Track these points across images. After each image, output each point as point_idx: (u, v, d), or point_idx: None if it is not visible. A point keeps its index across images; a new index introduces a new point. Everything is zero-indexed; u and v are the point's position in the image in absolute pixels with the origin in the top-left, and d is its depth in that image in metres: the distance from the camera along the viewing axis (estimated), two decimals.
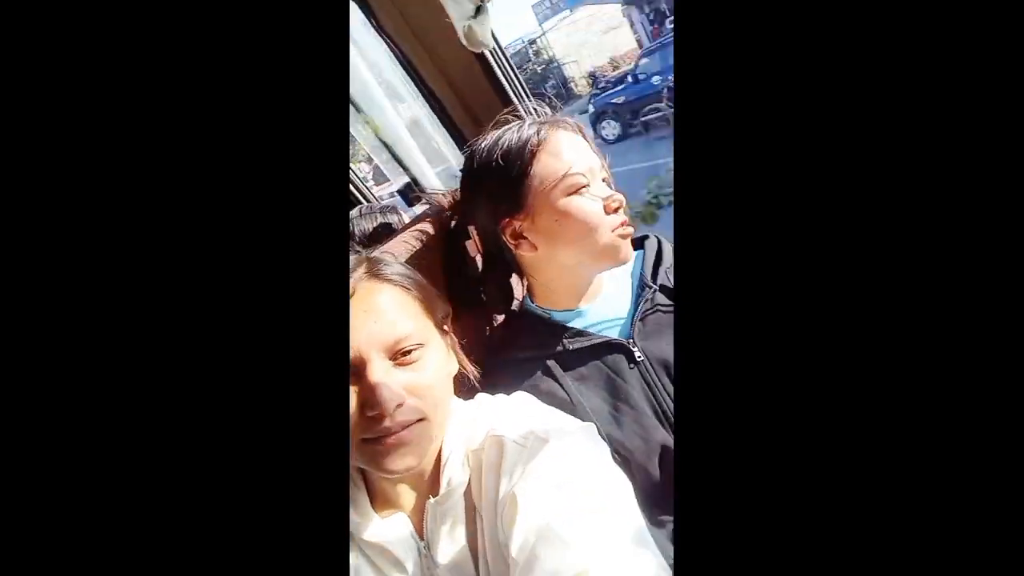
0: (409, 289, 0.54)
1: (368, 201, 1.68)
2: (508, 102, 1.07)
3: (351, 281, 0.51)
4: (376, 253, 0.59)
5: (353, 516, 0.52)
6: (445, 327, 0.58)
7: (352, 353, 0.47)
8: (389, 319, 0.50)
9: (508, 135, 0.68)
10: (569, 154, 0.67)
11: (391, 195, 1.64)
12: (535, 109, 0.71)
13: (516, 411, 0.56)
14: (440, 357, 0.53)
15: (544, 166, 0.65)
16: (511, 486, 0.48)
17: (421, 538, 0.52)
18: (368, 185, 1.69)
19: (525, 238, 0.69)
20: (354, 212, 1.36)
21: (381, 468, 0.48)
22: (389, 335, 0.49)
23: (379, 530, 0.51)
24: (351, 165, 1.64)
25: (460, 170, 0.73)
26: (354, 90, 1.38)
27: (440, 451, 0.53)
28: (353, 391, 0.47)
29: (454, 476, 0.52)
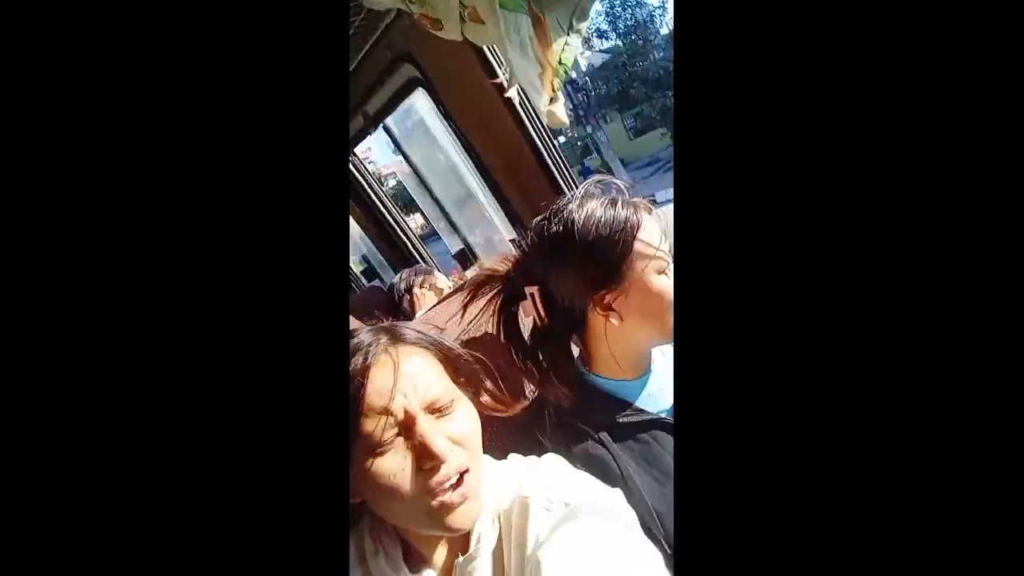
0: (430, 349, 0.56)
1: (425, 262, 1.77)
2: (554, 181, 1.12)
3: (375, 350, 0.53)
4: (394, 324, 0.60)
5: (387, 570, 0.52)
6: (466, 381, 0.59)
7: (399, 413, 0.49)
8: (424, 380, 0.52)
9: (601, 211, 0.71)
10: (658, 235, 0.71)
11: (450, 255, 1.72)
12: (617, 186, 0.76)
13: (545, 473, 0.56)
14: (468, 408, 0.55)
15: (642, 247, 0.70)
16: (535, 551, 0.47)
17: None
18: (427, 248, 1.79)
19: (614, 310, 0.71)
20: (396, 277, 1.44)
21: (448, 527, 0.49)
22: (427, 393, 0.51)
23: None
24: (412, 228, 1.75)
25: (530, 234, 0.76)
26: (420, 160, 1.49)
27: None
28: (406, 450, 0.49)
29: (484, 534, 0.51)
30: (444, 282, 1.41)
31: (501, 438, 0.70)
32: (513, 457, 0.61)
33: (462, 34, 0.68)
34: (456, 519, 0.48)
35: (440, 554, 0.54)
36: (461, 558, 0.51)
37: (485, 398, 0.61)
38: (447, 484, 0.48)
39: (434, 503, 0.48)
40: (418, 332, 0.58)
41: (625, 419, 0.70)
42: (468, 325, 0.79)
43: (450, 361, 0.57)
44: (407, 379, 0.51)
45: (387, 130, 1.44)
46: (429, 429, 0.48)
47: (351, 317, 1.39)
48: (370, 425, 0.49)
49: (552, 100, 0.64)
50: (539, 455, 0.61)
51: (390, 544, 0.54)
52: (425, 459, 0.47)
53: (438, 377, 0.53)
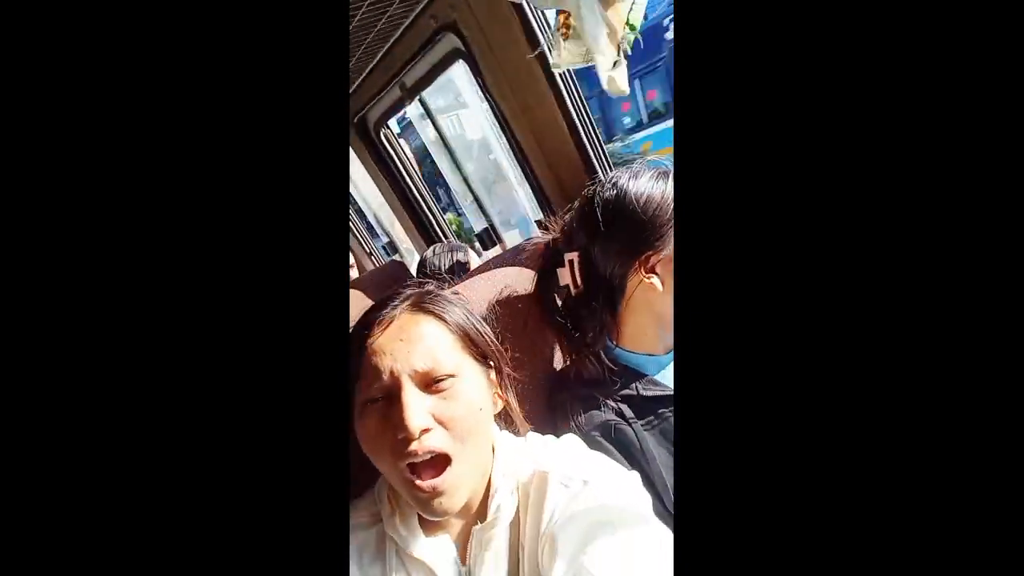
0: (447, 322, 0.55)
1: (447, 239, 1.77)
2: (590, 164, 1.10)
3: (390, 311, 0.54)
4: (428, 288, 0.60)
5: (400, 529, 0.53)
6: (494, 366, 0.59)
7: (387, 376, 0.49)
8: (424, 347, 0.51)
9: (651, 182, 0.73)
10: None
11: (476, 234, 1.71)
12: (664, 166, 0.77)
13: (564, 452, 0.57)
14: (473, 391, 0.53)
15: None
16: (551, 525, 0.48)
17: (464, 563, 0.53)
18: (451, 226, 1.78)
19: (656, 273, 0.72)
20: (428, 251, 1.44)
21: (423, 510, 0.50)
22: (422, 362, 0.50)
23: (425, 549, 0.52)
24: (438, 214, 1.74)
25: (577, 202, 0.78)
26: (452, 137, 1.48)
27: (490, 480, 0.54)
28: (385, 412, 0.49)
29: (503, 504, 0.52)
30: (476, 261, 1.40)
31: (523, 406, 0.70)
32: (532, 435, 0.61)
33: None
34: (427, 509, 0.48)
35: (456, 522, 0.54)
36: (479, 525, 0.52)
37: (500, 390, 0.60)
38: (417, 460, 0.47)
39: (407, 480, 0.48)
40: (443, 303, 0.57)
41: (647, 392, 0.70)
42: (500, 295, 0.79)
43: (471, 339, 0.56)
44: (406, 345, 0.51)
45: (423, 103, 1.43)
46: (411, 399, 0.48)
47: (372, 292, 1.40)
48: (364, 381, 0.50)
49: (615, 64, 0.62)
50: (558, 426, 0.61)
51: (407, 505, 0.54)
52: (399, 428, 0.47)
53: (442, 349, 0.52)
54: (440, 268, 1.38)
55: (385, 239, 2.30)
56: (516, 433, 0.62)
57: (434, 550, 0.52)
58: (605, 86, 0.66)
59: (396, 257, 2.20)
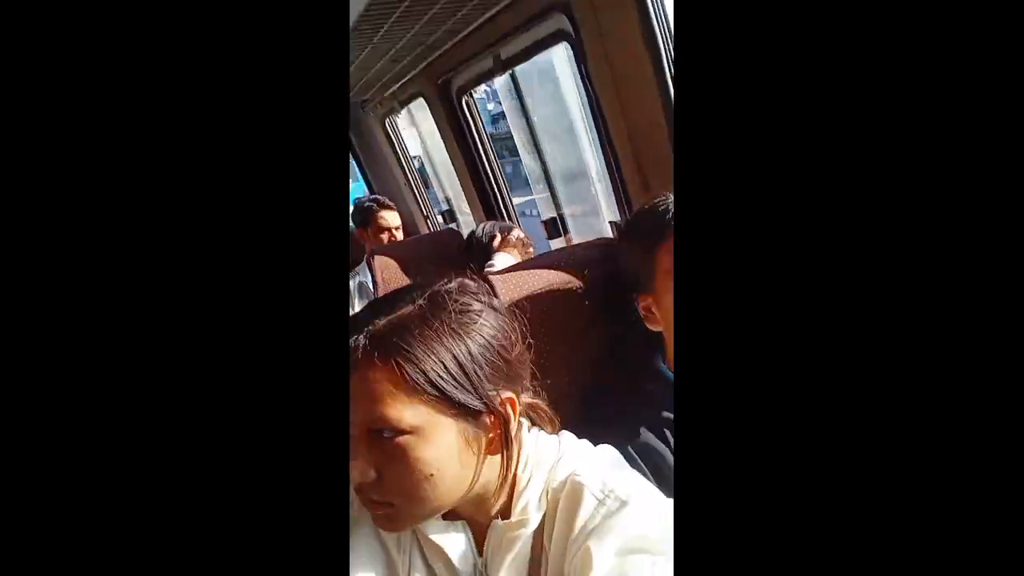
0: (408, 376, 0.46)
1: (510, 218, 1.74)
2: None
3: (355, 357, 0.47)
4: (385, 324, 0.49)
5: None
6: (469, 413, 0.51)
7: (352, 418, 0.46)
8: (373, 397, 0.46)
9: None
10: None
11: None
12: None
13: (601, 463, 0.54)
14: (424, 448, 0.46)
15: None
16: (585, 540, 0.46)
17: (480, 554, 0.52)
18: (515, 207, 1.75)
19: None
20: (479, 226, 1.41)
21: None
22: (370, 413, 0.46)
23: (442, 534, 0.52)
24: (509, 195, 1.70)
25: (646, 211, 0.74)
26: (539, 118, 1.43)
27: (516, 475, 0.51)
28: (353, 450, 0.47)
29: (531, 505, 0.50)
30: (503, 260, 1.34)
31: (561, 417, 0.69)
32: (565, 434, 0.56)
33: None
34: (380, 523, 0.50)
35: (474, 511, 0.52)
36: (501, 522, 0.50)
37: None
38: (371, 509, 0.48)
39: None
40: (423, 343, 0.47)
41: None
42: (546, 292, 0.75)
43: (442, 391, 0.47)
44: (359, 392, 0.45)
45: (513, 78, 1.38)
46: (355, 451, 0.46)
47: (418, 259, 1.39)
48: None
49: None
50: (596, 438, 0.58)
51: None
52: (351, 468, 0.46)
53: (393, 403, 0.46)
54: (484, 240, 1.34)
55: (445, 205, 2.29)
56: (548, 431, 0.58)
57: (451, 536, 0.52)
58: None
59: (453, 225, 2.19)
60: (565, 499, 0.50)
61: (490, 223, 1.42)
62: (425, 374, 0.46)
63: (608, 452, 0.57)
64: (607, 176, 1.21)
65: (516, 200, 1.78)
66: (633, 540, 0.46)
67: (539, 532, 0.51)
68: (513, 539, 0.50)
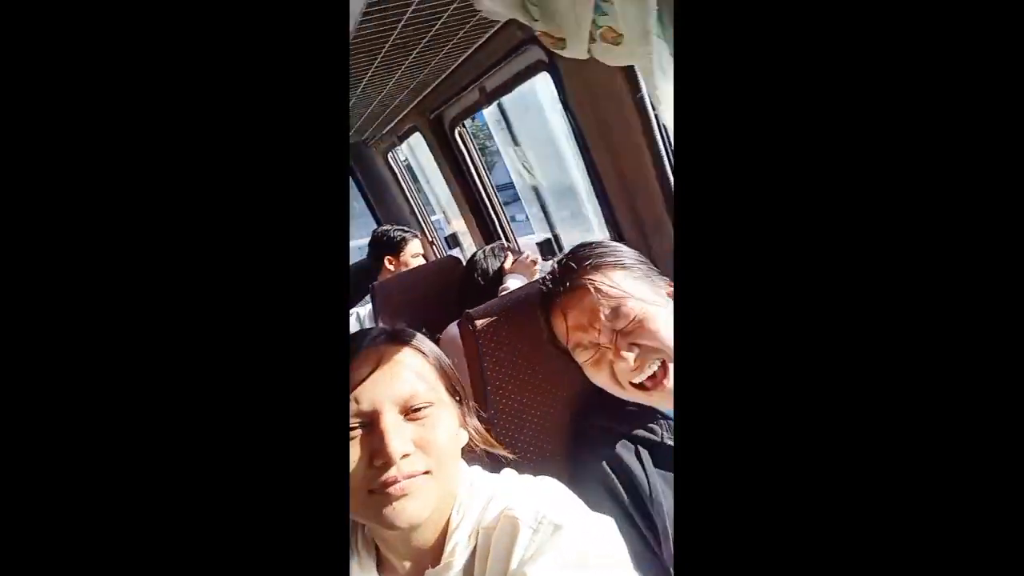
0: (425, 355, 0.56)
1: (508, 240, 1.76)
2: (669, 195, 1.06)
3: (366, 343, 0.54)
4: (396, 327, 0.60)
5: (356, 572, 0.53)
6: (460, 400, 0.59)
7: (366, 405, 0.49)
8: (404, 375, 0.52)
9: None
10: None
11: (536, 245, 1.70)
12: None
13: (538, 494, 0.55)
14: (449, 420, 0.54)
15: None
16: (520, 567, 0.47)
17: None
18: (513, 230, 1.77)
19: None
20: (480, 251, 1.43)
21: (385, 521, 0.48)
22: (402, 390, 0.51)
23: None
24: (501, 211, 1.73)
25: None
26: (528, 145, 1.46)
27: (448, 521, 0.53)
28: (363, 442, 0.49)
29: (458, 546, 0.51)
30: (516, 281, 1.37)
31: (538, 437, 0.70)
32: (507, 472, 0.60)
33: (588, 53, 0.64)
34: (390, 513, 0.48)
35: (410, 564, 0.54)
36: (431, 570, 0.51)
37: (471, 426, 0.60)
38: (394, 485, 0.47)
39: (374, 491, 0.48)
40: (418, 336, 0.58)
41: (670, 441, 0.68)
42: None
43: (443, 373, 0.57)
44: (384, 374, 0.51)
45: (501, 109, 1.42)
46: (391, 427, 0.48)
47: (419, 286, 1.41)
48: None
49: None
50: (576, 454, 0.61)
51: (364, 551, 0.55)
52: (377, 455, 0.47)
53: (420, 378, 0.53)
54: (487, 271, 1.36)
55: (449, 231, 2.33)
56: (489, 463, 0.61)
57: None
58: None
59: (456, 251, 2.23)
60: (499, 535, 0.51)
61: (490, 248, 1.44)
62: (430, 349, 0.57)
63: (549, 483, 0.58)
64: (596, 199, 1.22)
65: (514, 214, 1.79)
66: (571, 559, 0.47)
67: (470, 570, 0.51)
68: None
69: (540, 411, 0.78)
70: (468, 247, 2.06)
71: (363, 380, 0.51)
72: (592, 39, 0.63)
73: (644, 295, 0.70)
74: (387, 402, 0.50)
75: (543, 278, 0.76)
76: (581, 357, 0.71)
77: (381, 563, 0.55)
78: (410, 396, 0.51)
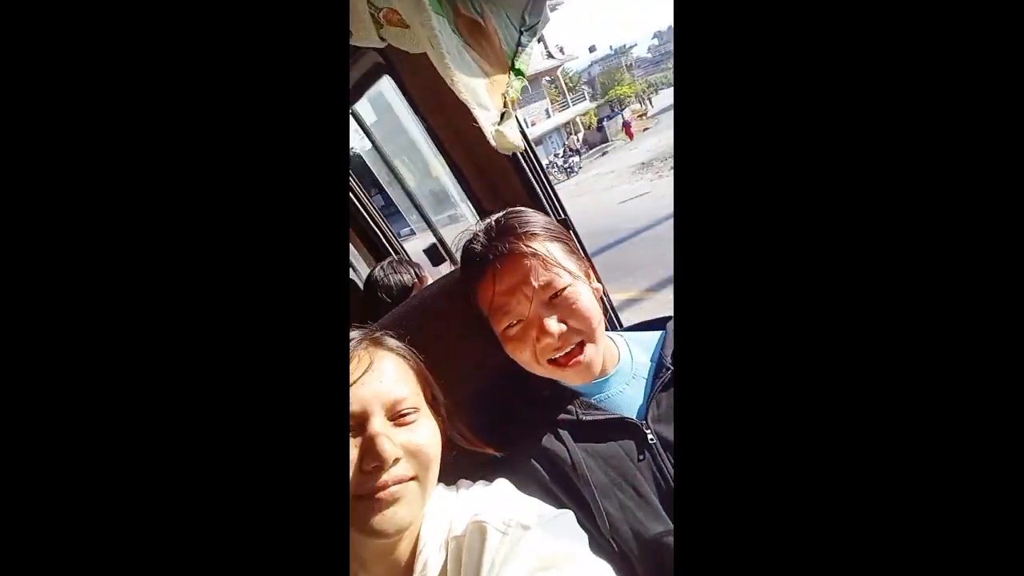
0: (407, 359, 0.57)
1: (398, 253, 1.70)
2: (527, 182, 1.05)
3: (353, 346, 0.54)
4: (378, 332, 0.60)
5: None
6: (437, 403, 0.60)
7: (356, 407, 0.49)
8: (391, 379, 0.53)
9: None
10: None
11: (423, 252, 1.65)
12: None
13: (497, 497, 0.57)
14: (432, 426, 0.55)
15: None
16: (493, 572, 0.48)
17: None
18: (400, 239, 1.71)
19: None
20: (376, 268, 1.37)
21: (372, 529, 0.47)
22: (389, 395, 0.51)
23: None
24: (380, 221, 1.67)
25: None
26: (391, 150, 1.41)
27: (418, 536, 0.53)
28: (353, 445, 0.49)
29: (430, 560, 0.51)
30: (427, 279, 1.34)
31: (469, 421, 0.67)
32: (462, 482, 0.61)
33: (380, 39, 0.60)
34: (380, 520, 0.47)
35: (391, 570, 0.52)
36: None
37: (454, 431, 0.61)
38: (384, 491, 0.47)
39: (360, 505, 0.47)
40: (398, 342, 0.59)
41: (586, 417, 0.69)
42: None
43: (424, 379, 0.58)
44: (373, 377, 0.51)
45: (355, 117, 1.36)
46: (380, 430, 0.48)
47: None
48: None
49: (503, 117, 0.55)
50: (500, 438, 0.63)
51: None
52: (368, 459, 0.47)
53: (406, 383, 0.54)
54: (391, 288, 1.31)
55: None
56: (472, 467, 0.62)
57: None
58: (493, 142, 0.59)
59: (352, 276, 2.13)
60: (469, 542, 0.51)
61: (387, 262, 1.38)
62: (411, 355, 0.58)
63: (502, 486, 0.59)
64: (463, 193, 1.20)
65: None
66: (542, 559, 0.47)
67: None
68: None
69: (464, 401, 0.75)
70: (362, 270, 1.98)
71: (354, 383, 0.50)
72: (378, 23, 0.60)
73: (573, 270, 0.68)
74: (376, 404, 0.50)
75: (474, 236, 0.71)
76: (500, 324, 0.68)
77: None
78: (397, 400, 0.51)
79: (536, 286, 0.65)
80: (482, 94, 0.55)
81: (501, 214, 0.72)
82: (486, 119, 0.57)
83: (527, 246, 0.67)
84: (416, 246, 1.63)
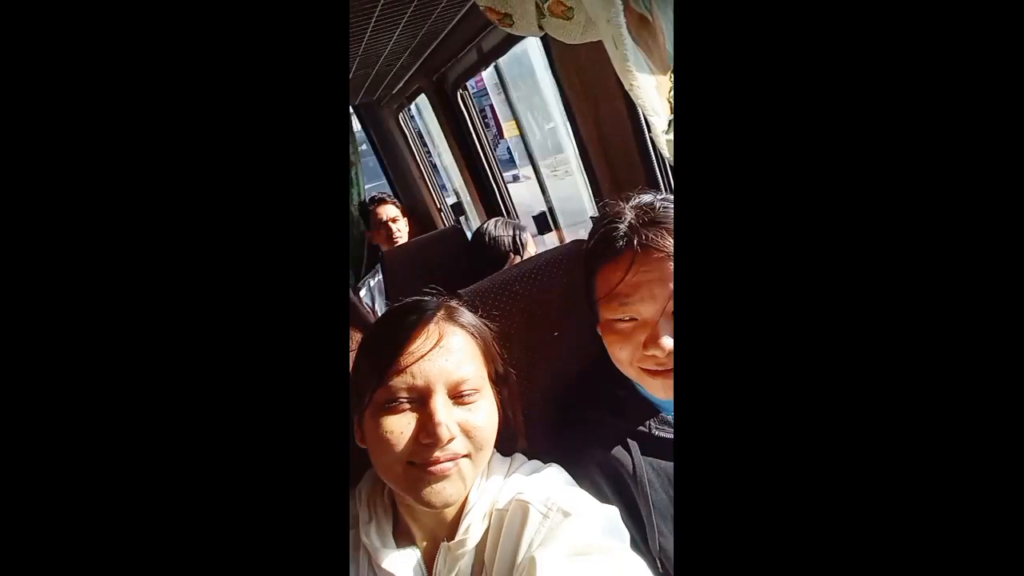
0: (476, 338, 0.57)
1: (510, 215, 1.74)
2: (649, 166, 1.02)
3: (428, 316, 0.55)
4: (454, 302, 0.61)
5: (375, 539, 0.55)
6: (499, 381, 0.59)
7: (420, 381, 0.51)
8: (457, 359, 0.53)
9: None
10: None
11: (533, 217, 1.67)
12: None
13: (548, 481, 0.57)
14: (491, 406, 0.56)
15: None
16: (530, 551, 0.49)
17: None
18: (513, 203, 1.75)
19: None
20: (488, 223, 1.42)
21: (420, 497, 0.50)
22: (453, 374, 0.52)
23: (394, 561, 0.54)
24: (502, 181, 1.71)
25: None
26: (524, 110, 1.41)
27: (466, 500, 0.55)
28: (412, 416, 0.51)
29: (472, 526, 0.53)
30: (532, 247, 1.34)
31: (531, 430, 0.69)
32: (518, 456, 0.62)
33: (539, 28, 0.59)
34: (429, 492, 0.50)
35: (428, 537, 0.56)
36: (447, 543, 0.53)
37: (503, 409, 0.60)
38: (436, 466, 0.49)
39: (412, 472, 0.50)
40: (473, 318, 0.59)
41: (658, 432, 0.66)
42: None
43: (490, 356, 0.58)
44: (441, 353, 0.53)
45: (497, 70, 1.38)
46: (440, 408, 0.50)
47: (419, 259, 1.41)
48: (393, 380, 0.51)
49: (671, 124, 0.52)
50: (563, 440, 0.62)
51: (383, 515, 0.57)
52: (425, 433, 0.50)
53: (472, 362, 0.55)
54: (498, 242, 1.35)
55: (454, 198, 2.32)
56: (507, 451, 0.62)
57: (403, 563, 0.54)
58: (665, 152, 0.55)
59: (463, 218, 2.22)
60: (511, 518, 0.53)
61: (500, 220, 1.41)
62: (482, 334, 0.58)
63: (554, 471, 0.59)
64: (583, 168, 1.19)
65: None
66: (578, 546, 0.48)
67: (480, 551, 0.53)
68: (456, 558, 0.53)
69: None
70: (473, 218, 2.05)
71: (422, 356, 0.52)
72: (541, 14, 0.60)
73: None
74: (440, 383, 0.52)
75: (620, 213, 0.65)
76: (613, 314, 0.63)
77: (397, 527, 0.57)
78: (461, 380, 0.53)
79: (670, 292, 0.59)
80: (655, 99, 0.52)
81: (658, 199, 0.65)
82: (658, 126, 0.54)
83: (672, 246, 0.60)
84: (518, 191, 1.61)
